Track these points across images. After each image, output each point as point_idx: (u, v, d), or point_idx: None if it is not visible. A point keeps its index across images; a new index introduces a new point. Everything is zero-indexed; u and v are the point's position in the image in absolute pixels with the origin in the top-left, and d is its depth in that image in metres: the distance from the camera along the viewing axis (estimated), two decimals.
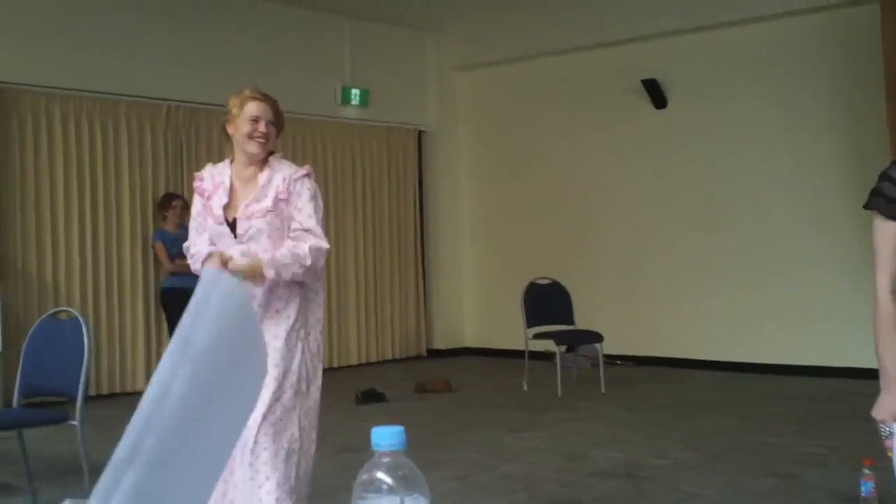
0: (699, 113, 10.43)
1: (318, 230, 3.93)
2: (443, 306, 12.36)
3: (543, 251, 11.32)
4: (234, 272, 3.70)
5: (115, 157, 9.53)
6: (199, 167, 4.17)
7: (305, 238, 3.88)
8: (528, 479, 5.65)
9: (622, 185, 10.97)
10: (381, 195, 11.86)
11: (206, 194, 4.02)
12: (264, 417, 3.75)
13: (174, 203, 9.43)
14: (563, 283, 9.47)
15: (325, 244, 3.92)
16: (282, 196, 3.90)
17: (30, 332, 5.36)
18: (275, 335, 3.86)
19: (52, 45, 9.02)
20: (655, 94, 10.60)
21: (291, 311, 3.90)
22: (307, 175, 3.98)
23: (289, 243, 3.88)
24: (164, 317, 9.50)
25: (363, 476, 1.28)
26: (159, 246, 9.38)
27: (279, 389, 3.82)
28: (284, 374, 3.84)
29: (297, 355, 3.89)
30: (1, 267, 8.56)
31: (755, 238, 10.08)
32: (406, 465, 1.33)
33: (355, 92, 11.45)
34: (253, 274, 3.77)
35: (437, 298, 12.36)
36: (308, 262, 3.84)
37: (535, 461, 6.16)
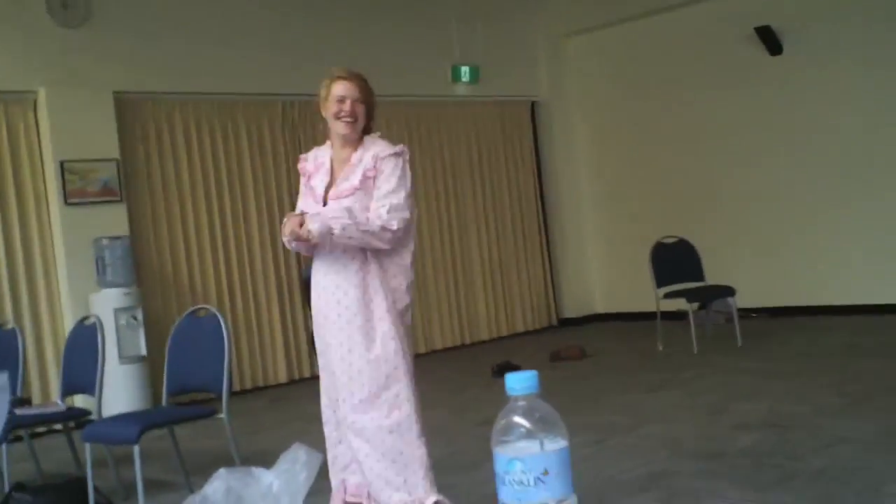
0: (817, 57, 10.11)
1: (399, 202, 3.88)
2: (570, 275, 12.31)
3: (666, 210, 11.16)
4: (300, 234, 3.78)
5: (237, 156, 9.73)
6: None
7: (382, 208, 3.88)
8: (670, 437, 5.59)
9: (741, 137, 10.73)
10: (499, 169, 11.85)
11: (308, 174, 4.10)
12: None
13: None
14: (690, 240, 9.32)
15: (404, 212, 3.88)
16: (369, 174, 3.90)
17: (171, 332, 5.52)
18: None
19: (165, 51, 9.23)
20: (769, 40, 10.32)
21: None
22: (397, 154, 3.95)
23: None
24: (302, 307, 9.71)
25: (500, 422, 1.30)
26: None
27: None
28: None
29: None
30: (139, 273, 8.83)
31: (884, 182, 9.74)
32: (541, 407, 1.34)
33: (465, 69, 11.44)
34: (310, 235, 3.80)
35: (563, 267, 12.31)
36: (376, 225, 3.83)
37: (676, 419, 6.09)
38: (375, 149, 3.95)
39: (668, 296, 8.92)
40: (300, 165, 4.16)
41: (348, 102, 3.94)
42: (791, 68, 10.31)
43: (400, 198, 3.88)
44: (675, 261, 9.19)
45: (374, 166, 3.90)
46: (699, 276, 9.10)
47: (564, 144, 12.34)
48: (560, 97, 12.30)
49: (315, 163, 4.10)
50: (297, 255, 9.65)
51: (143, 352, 8.48)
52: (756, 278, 10.24)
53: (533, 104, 12.28)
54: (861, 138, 9.88)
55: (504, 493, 1.29)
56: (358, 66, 4.12)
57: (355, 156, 3.98)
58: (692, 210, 10.99)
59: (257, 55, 9.77)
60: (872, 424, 5.35)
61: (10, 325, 6.69)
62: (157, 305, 9.04)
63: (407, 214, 3.89)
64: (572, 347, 9.45)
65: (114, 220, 8.77)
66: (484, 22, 11.64)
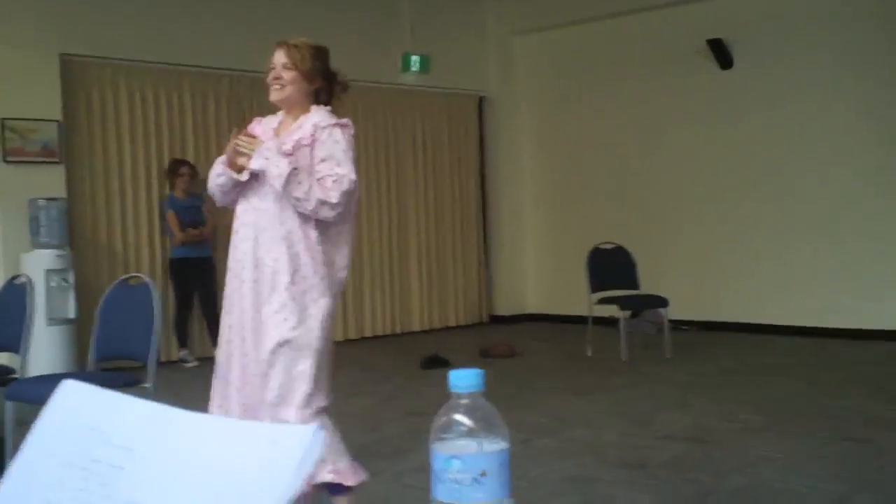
0: (767, 72, 10.22)
1: (343, 173, 3.70)
2: (505, 273, 12.35)
3: (606, 216, 11.24)
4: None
5: (181, 127, 9.62)
6: None
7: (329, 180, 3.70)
8: (594, 443, 5.63)
9: (686, 148, 10.83)
10: (442, 162, 11.85)
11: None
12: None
13: (182, 170, 9.25)
14: (627, 248, 9.38)
15: (347, 185, 3.67)
16: (304, 142, 3.75)
17: (103, 298, 5.43)
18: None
19: (116, 16, 9.11)
20: (721, 53, 10.42)
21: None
22: (338, 125, 3.78)
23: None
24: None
25: (441, 419, 1.28)
26: (171, 215, 9.23)
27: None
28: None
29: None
30: (73, 236, 8.70)
31: (823, 202, 9.89)
32: (484, 406, 1.33)
33: (415, 59, 11.40)
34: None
35: (499, 265, 12.35)
36: (332, 196, 3.65)
37: (601, 425, 6.13)
38: (317, 118, 3.82)
39: (601, 301, 8.97)
40: (249, 127, 4.01)
41: (277, 68, 3.92)
42: (740, 83, 10.40)
43: (344, 170, 3.70)
44: (610, 267, 9.24)
45: (312, 135, 3.75)
46: (633, 284, 9.17)
47: (509, 142, 12.36)
48: (508, 94, 12.32)
49: (262, 128, 3.97)
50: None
51: (72, 315, 8.35)
52: (689, 291, 10.33)
53: (481, 99, 12.29)
54: (803, 160, 10.01)
55: (440, 490, 1.27)
56: None
57: (296, 123, 3.86)
58: (632, 218, 11.07)
59: (206, 28, 9.66)
60: (795, 445, 5.42)
61: None
62: (89, 270, 8.90)
63: (346, 187, 3.68)
64: (502, 345, 9.47)
65: (52, 181, 8.63)
66: (437, 13, 11.59)
